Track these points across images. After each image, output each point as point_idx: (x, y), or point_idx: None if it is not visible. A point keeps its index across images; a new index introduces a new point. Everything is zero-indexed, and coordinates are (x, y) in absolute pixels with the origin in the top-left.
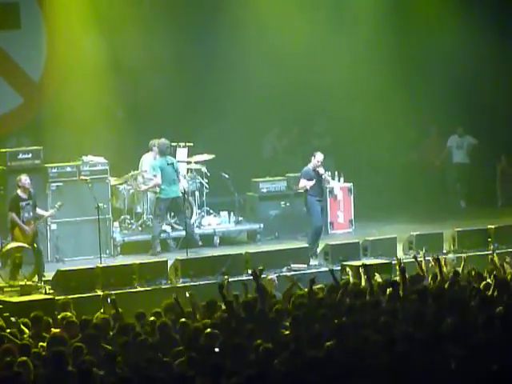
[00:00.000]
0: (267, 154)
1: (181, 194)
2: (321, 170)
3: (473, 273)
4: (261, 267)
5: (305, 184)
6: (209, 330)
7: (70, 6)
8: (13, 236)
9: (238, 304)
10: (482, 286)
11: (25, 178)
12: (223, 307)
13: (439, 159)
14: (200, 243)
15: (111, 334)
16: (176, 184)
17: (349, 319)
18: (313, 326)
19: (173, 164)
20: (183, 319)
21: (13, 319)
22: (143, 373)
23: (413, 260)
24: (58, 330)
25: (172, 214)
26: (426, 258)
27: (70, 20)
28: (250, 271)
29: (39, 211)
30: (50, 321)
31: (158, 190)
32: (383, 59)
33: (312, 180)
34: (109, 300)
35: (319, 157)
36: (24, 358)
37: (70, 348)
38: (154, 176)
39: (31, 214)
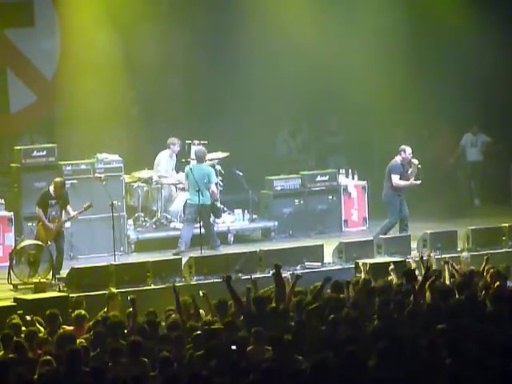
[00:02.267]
0: (281, 152)
1: (208, 203)
2: (415, 161)
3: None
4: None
5: (404, 183)
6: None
7: (83, 3)
8: (36, 231)
9: (249, 298)
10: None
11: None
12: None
13: (453, 157)
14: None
15: (125, 331)
16: (200, 192)
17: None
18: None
19: (199, 172)
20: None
21: (28, 317)
22: (159, 371)
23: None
24: (70, 328)
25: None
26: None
27: (84, 17)
28: (271, 271)
29: (69, 210)
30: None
31: None
32: (398, 58)
33: (402, 175)
34: (129, 298)
35: (409, 149)
36: (48, 357)
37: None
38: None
39: (58, 212)
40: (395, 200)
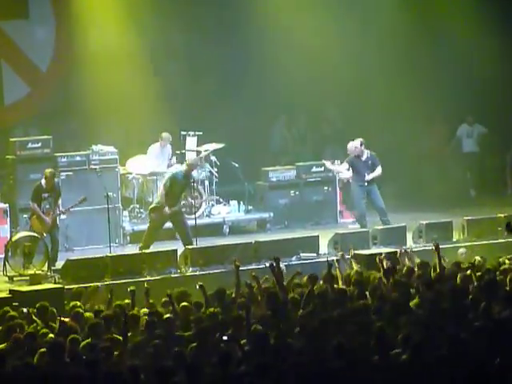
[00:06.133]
0: (276, 143)
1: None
2: (363, 157)
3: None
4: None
5: (335, 168)
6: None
7: None
8: (31, 225)
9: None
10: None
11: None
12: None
13: (449, 148)
14: None
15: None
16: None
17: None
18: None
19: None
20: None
21: (24, 310)
22: (152, 362)
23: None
24: (67, 320)
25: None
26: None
27: (79, 8)
28: (267, 264)
29: (60, 205)
30: (55, 310)
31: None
32: (394, 49)
33: (354, 165)
34: (128, 290)
35: (357, 142)
36: (43, 350)
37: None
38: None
39: (51, 204)
40: (355, 191)
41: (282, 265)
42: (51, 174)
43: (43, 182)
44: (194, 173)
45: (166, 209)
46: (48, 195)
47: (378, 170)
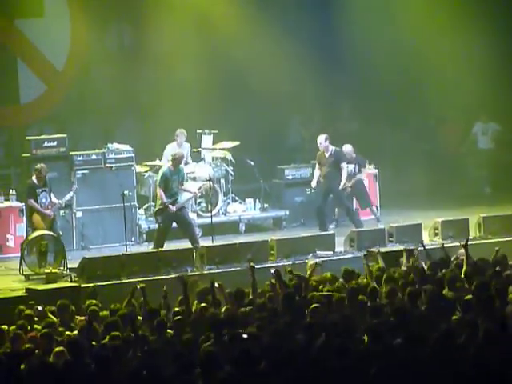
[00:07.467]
0: (293, 141)
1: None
2: (327, 153)
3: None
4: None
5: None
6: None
7: None
8: (32, 222)
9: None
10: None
11: (45, 169)
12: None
13: (464, 146)
14: None
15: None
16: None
17: None
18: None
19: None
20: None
21: (39, 308)
22: (170, 358)
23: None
24: (83, 318)
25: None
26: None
27: (94, 7)
28: (272, 271)
29: (53, 198)
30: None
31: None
32: (407, 50)
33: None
34: (138, 287)
35: (320, 138)
36: (60, 348)
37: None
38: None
39: (48, 198)
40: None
41: (316, 260)
42: (42, 168)
43: (34, 177)
44: (182, 165)
45: (171, 206)
46: (42, 190)
47: (343, 172)
